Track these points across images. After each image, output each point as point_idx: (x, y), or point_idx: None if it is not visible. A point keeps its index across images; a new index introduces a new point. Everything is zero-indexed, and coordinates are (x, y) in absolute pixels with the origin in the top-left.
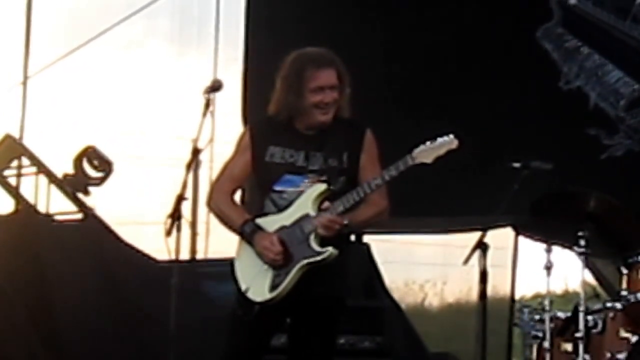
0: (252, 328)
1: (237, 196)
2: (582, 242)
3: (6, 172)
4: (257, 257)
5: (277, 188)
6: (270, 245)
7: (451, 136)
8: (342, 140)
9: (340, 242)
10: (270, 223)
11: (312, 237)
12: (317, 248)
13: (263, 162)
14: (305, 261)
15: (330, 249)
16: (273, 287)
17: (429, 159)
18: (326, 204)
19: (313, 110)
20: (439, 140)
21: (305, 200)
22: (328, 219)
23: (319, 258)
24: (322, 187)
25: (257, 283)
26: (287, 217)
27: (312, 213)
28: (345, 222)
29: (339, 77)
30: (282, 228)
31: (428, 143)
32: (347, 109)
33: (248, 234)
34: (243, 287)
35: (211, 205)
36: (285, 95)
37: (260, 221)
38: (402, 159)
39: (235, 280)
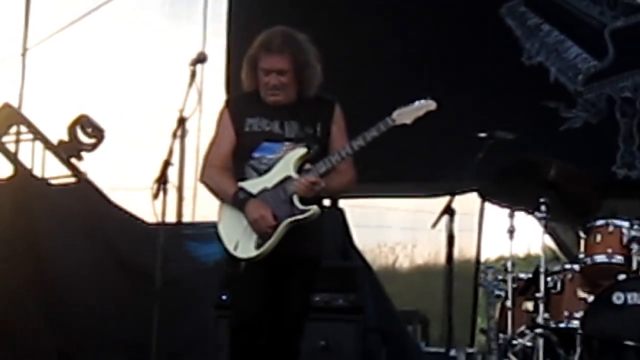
0: (248, 287)
1: None
2: (543, 208)
3: (5, 139)
4: (241, 217)
5: (256, 155)
6: (261, 218)
7: (429, 99)
8: (314, 111)
9: (320, 203)
10: (252, 186)
11: (295, 197)
12: (301, 206)
13: (243, 133)
14: (291, 219)
15: (314, 207)
16: (259, 245)
17: (408, 120)
18: (308, 165)
19: (263, 90)
20: (417, 102)
21: (286, 163)
22: (311, 181)
23: (303, 216)
24: (303, 150)
25: (243, 242)
26: (268, 180)
27: (295, 175)
28: (323, 184)
29: (293, 62)
30: (264, 190)
31: (406, 106)
32: (314, 87)
33: (240, 200)
34: (231, 246)
35: (205, 180)
36: (248, 73)
37: (242, 185)
38: (382, 120)
39: (221, 242)
